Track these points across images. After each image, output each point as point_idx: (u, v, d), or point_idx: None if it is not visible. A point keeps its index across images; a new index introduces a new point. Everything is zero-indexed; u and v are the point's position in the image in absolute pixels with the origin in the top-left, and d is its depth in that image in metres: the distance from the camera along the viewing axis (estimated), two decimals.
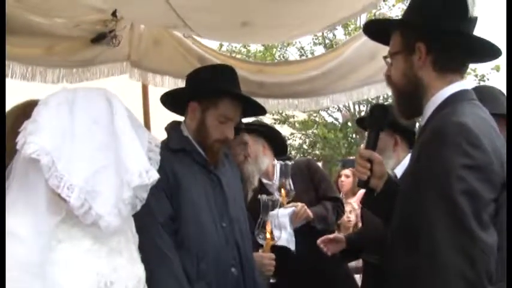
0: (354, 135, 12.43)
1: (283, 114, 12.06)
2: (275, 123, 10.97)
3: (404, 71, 1.61)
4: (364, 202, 1.93)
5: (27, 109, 1.55)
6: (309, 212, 2.91)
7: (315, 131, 12.58)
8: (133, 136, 1.50)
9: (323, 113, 12.78)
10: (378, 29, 1.79)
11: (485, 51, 1.60)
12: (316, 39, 12.59)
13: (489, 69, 12.15)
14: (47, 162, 1.36)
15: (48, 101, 1.48)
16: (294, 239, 2.91)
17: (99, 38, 3.06)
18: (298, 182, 3.03)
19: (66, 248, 1.40)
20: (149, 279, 1.62)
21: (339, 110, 12.71)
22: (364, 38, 3.40)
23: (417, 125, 2.94)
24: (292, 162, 2.64)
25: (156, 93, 3.55)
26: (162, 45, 3.42)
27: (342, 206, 3.15)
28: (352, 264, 4.18)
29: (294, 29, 3.36)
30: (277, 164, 2.59)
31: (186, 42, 3.46)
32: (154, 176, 1.48)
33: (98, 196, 1.41)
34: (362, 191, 3.35)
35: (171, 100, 2.26)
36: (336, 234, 2.88)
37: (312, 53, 12.14)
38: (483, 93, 2.02)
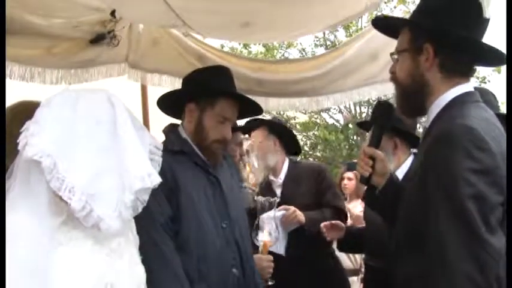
0: (355, 137, 12.40)
1: (284, 116, 12.06)
2: None
3: (410, 70, 1.61)
4: (365, 199, 1.93)
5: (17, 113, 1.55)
6: (300, 217, 2.90)
7: (315, 132, 12.57)
8: (135, 139, 1.50)
9: (324, 115, 12.76)
10: (387, 25, 1.79)
11: (492, 57, 1.59)
12: (317, 40, 12.59)
13: (490, 71, 12.15)
14: (48, 164, 1.36)
15: (50, 102, 1.47)
16: (284, 242, 2.90)
17: (98, 39, 3.06)
18: (304, 185, 3.05)
19: (67, 249, 1.39)
20: (150, 280, 1.62)
21: (340, 111, 12.70)
22: (366, 38, 3.40)
23: (417, 125, 2.93)
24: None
25: (155, 94, 3.55)
26: (160, 45, 3.41)
27: (343, 216, 3.11)
28: (348, 263, 4.17)
29: (295, 29, 3.35)
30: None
31: (185, 41, 3.45)
32: (157, 179, 1.48)
33: (99, 199, 1.40)
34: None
35: (167, 103, 2.25)
36: (338, 222, 2.86)
37: (313, 54, 12.11)
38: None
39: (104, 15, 2.94)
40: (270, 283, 2.37)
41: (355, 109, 12.41)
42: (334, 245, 3.21)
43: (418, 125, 2.91)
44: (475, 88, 1.66)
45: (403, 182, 1.98)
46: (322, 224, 2.83)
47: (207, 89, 2.14)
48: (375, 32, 2.74)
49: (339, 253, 3.35)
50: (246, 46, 11.66)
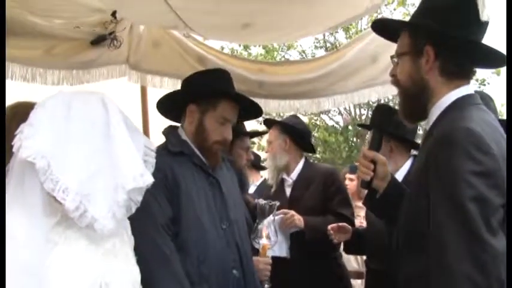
0: (354, 139, 12.40)
1: (271, 118, 11.99)
2: None
3: (410, 72, 1.60)
4: (366, 203, 1.91)
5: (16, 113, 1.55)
6: (298, 222, 2.89)
7: (315, 134, 12.57)
8: (128, 140, 1.50)
9: (324, 117, 12.75)
10: (386, 28, 1.79)
11: (492, 59, 1.59)
12: (317, 42, 12.58)
13: (489, 73, 12.15)
14: (42, 166, 1.37)
15: (44, 104, 1.48)
16: (285, 244, 2.90)
17: (99, 40, 3.06)
18: (312, 188, 3.04)
19: (62, 249, 1.40)
20: (150, 281, 1.63)
21: (339, 113, 12.69)
22: (366, 41, 3.40)
23: (418, 128, 2.92)
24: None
25: (155, 95, 3.55)
26: (161, 46, 3.41)
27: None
28: (355, 266, 4.16)
29: (295, 31, 3.35)
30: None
31: (186, 43, 3.46)
32: (149, 179, 1.49)
33: (93, 199, 1.41)
34: None
35: (167, 104, 2.25)
36: (345, 224, 2.85)
37: (313, 56, 12.11)
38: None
39: (104, 16, 2.94)
40: (266, 286, 2.37)
41: (354, 111, 12.40)
42: (341, 249, 3.21)
43: (418, 128, 2.89)
44: (477, 92, 1.66)
45: (404, 183, 1.97)
46: (329, 226, 2.81)
47: (209, 90, 2.15)
48: (374, 34, 2.75)
49: (345, 255, 3.33)
50: (246, 48, 11.65)
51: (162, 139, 2.19)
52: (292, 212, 2.91)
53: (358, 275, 4.05)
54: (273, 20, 2.90)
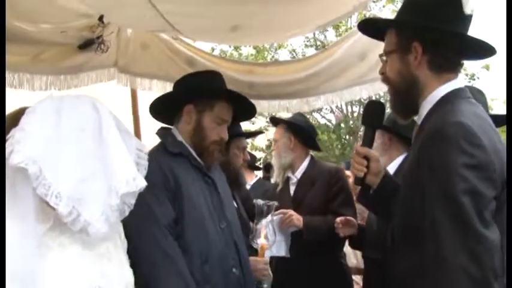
0: (347, 137, 12.45)
1: (277, 117, 12.04)
2: (268, 126, 10.96)
3: (399, 69, 1.62)
4: (360, 199, 1.92)
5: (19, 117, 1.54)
6: (297, 222, 2.89)
7: None
8: (120, 143, 1.50)
9: (316, 115, 12.79)
10: (372, 27, 1.79)
11: (480, 50, 1.61)
12: (307, 41, 12.62)
13: (479, 68, 12.25)
14: (34, 171, 1.36)
15: (35, 109, 1.48)
16: (284, 244, 2.90)
17: (86, 45, 3.04)
18: (316, 187, 3.04)
19: (55, 255, 1.40)
20: (157, 283, 1.66)
21: (331, 111, 12.73)
22: (354, 39, 3.41)
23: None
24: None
25: (145, 98, 3.53)
26: (150, 49, 3.40)
27: None
28: (354, 261, 4.16)
29: (284, 31, 3.35)
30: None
31: (175, 45, 3.45)
32: (142, 183, 1.48)
33: (86, 203, 1.41)
34: None
35: (161, 107, 2.24)
36: (351, 218, 2.86)
37: (304, 55, 12.14)
38: None
39: (91, 21, 2.92)
40: (265, 285, 2.37)
41: (346, 109, 12.44)
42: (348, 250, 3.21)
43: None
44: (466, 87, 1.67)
45: (396, 177, 1.98)
46: (337, 219, 2.81)
47: (207, 90, 2.16)
48: None
49: (346, 250, 3.32)
50: (236, 48, 11.68)
51: (153, 141, 2.18)
52: (291, 212, 2.91)
53: (358, 270, 4.05)
54: (262, 21, 2.90)
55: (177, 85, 2.32)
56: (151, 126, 2.35)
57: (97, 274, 1.43)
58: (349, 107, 12.40)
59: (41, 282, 1.34)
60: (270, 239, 2.42)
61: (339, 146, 12.25)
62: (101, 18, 2.86)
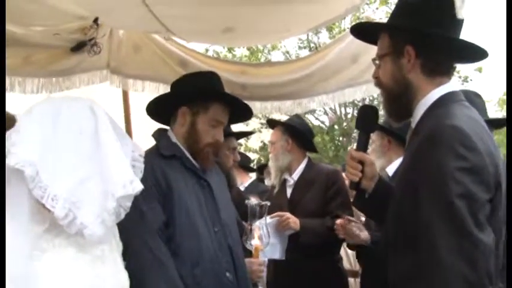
0: (340, 138, 12.46)
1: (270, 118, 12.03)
2: (262, 127, 10.96)
3: (392, 73, 1.62)
4: (355, 203, 1.92)
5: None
6: (294, 224, 2.88)
7: None
8: (117, 146, 1.50)
9: (309, 117, 12.78)
10: (365, 31, 1.79)
11: (472, 53, 1.61)
12: (301, 42, 12.63)
13: (472, 70, 12.31)
14: (31, 173, 1.36)
15: (32, 111, 1.48)
16: (280, 246, 2.89)
17: (78, 47, 3.03)
18: (313, 190, 3.03)
19: (51, 257, 1.40)
20: (144, 286, 1.63)
21: (325, 113, 12.74)
22: (346, 41, 3.42)
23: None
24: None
25: (137, 100, 3.53)
26: (142, 50, 3.40)
27: None
28: (347, 266, 4.17)
29: (277, 33, 3.36)
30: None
31: (167, 46, 3.45)
32: (138, 186, 1.48)
33: (82, 206, 1.41)
34: None
35: (157, 108, 2.23)
36: (352, 218, 2.84)
37: (297, 56, 12.16)
38: None
39: (84, 23, 2.91)
40: (260, 287, 2.36)
41: (340, 110, 12.45)
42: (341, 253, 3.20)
43: None
44: (464, 91, 1.68)
45: (392, 181, 1.98)
46: (338, 221, 2.79)
47: (202, 92, 2.14)
48: None
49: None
50: (230, 49, 11.66)
51: (145, 143, 2.17)
52: (288, 215, 2.90)
53: (353, 273, 4.06)
54: (255, 23, 2.91)
55: (173, 86, 2.30)
56: (142, 128, 2.34)
57: (91, 277, 1.42)
58: (342, 109, 12.41)
59: (34, 284, 1.34)
60: (264, 241, 2.40)
61: (333, 148, 12.24)
62: (95, 20, 2.85)
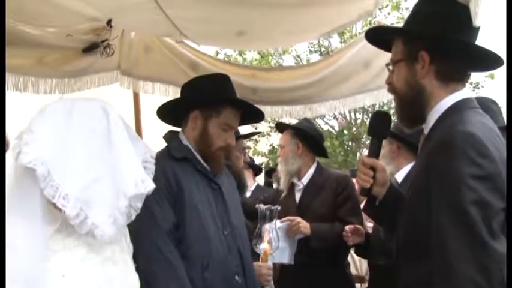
0: (349, 143, 12.41)
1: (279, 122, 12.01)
2: (271, 131, 10.95)
3: (406, 78, 1.61)
4: (365, 210, 1.91)
5: None
6: (304, 229, 2.87)
7: None
8: (129, 146, 1.51)
9: (319, 121, 12.74)
10: (379, 36, 1.79)
11: (487, 61, 1.60)
12: (312, 47, 12.60)
13: (483, 77, 12.21)
14: (43, 172, 1.36)
15: (44, 111, 1.49)
16: (289, 250, 2.88)
17: (91, 48, 3.04)
18: (323, 195, 3.02)
19: (61, 257, 1.40)
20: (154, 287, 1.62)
21: (334, 117, 12.69)
22: (358, 46, 3.40)
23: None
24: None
25: (147, 101, 3.53)
26: (152, 52, 3.40)
27: None
28: (353, 271, 4.15)
29: (289, 37, 3.35)
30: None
31: (177, 49, 3.44)
32: (150, 185, 1.49)
33: (94, 206, 1.41)
34: None
35: (168, 110, 2.24)
36: (360, 227, 2.85)
37: (308, 61, 12.13)
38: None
39: (97, 24, 2.93)
40: None
41: (349, 115, 12.40)
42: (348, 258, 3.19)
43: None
44: (478, 98, 1.66)
45: (401, 187, 1.96)
46: (347, 227, 2.79)
47: (214, 97, 2.14)
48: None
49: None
50: (240, 53, 11.67)
51: (155, 145, 2.17)
52: (298, 219, 2.89)
53: (359, 279, 4.04)
54: (268, 27, 2.90)
55: (184, 89, 2.30)
56: (153, 130, 2.34)
57: (101, 278, 1.42)
58: (352, 114, 12.36)
59: (44, 285, 1.35)
60: (273, 245, 2.40)
61: (342, 153, 12.19)
62: (108, 22, 2.86)
